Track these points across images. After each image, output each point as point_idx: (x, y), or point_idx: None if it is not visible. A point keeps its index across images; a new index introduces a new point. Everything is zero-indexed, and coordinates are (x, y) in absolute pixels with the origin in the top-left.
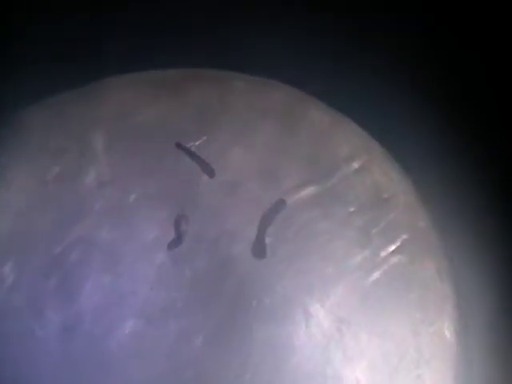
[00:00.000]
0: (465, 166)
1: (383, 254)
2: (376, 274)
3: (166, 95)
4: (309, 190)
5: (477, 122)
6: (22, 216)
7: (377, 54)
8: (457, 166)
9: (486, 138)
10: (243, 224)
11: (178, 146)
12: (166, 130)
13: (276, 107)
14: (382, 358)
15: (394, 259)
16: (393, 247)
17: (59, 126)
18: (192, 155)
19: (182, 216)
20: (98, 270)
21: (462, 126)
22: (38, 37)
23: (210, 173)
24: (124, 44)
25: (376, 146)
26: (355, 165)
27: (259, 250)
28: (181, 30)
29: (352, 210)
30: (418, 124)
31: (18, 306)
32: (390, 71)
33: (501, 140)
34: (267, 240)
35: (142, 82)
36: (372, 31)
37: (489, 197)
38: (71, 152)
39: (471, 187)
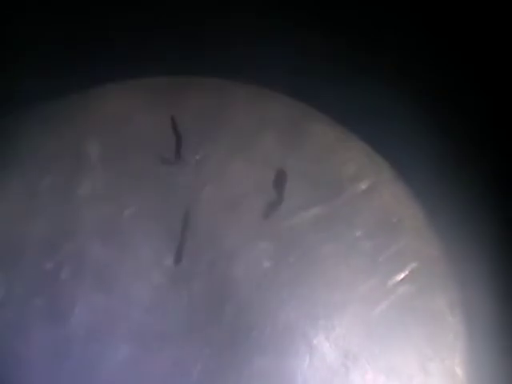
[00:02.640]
0: (480, 189)
1: (391, 283)
2: (383, 305)
3: (165, 104)
4: (312, 212)
5: (495, 142)
6: (10, 228)
7: (390, 65)
8: (472, 190)
9: (506, 161)
10: (242, 245)
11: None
12: (164, 140)
13: (277, 120)
14: None
15: (402, 289)
16: (401, 276)
17: (51, 132)
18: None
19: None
20: (90, 289)
21: (479, 147)
22: (31, 40)
23: None
24: (121, 49)
25: (384, 166)
26: (362, 185)
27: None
28: (181, 35)
29: (358, 234)
30: (430, 142)
31: (4, 325)
32: (402, 85)
33: None
34: (267, 264)
35: (140, 89)
36: (384, 41)
37: (507, 225)
38: (63, 161)
39: (487, 212)
